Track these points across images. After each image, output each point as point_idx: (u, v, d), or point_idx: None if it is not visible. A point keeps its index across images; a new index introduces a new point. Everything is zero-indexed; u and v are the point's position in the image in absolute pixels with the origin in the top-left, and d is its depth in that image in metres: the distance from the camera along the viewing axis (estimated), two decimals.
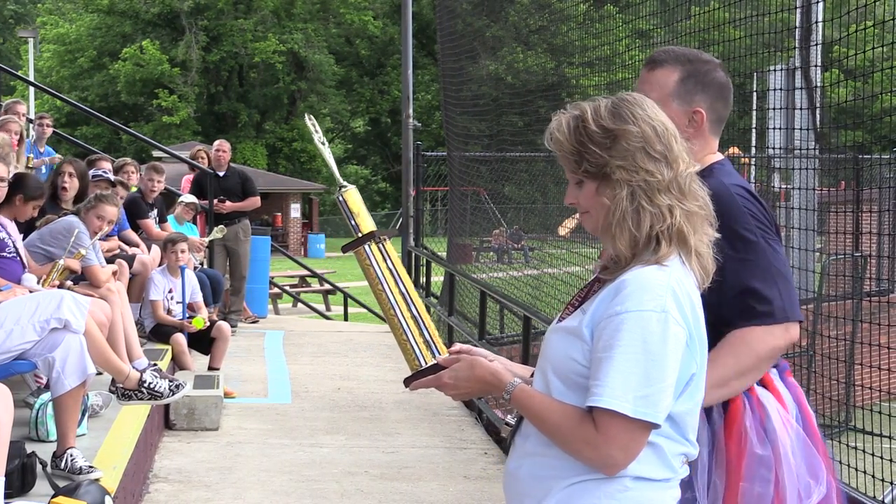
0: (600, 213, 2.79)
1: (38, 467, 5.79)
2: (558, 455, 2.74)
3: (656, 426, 2.64)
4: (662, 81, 3.52)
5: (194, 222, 13.30)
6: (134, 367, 7.25)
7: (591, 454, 2.65)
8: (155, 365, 7.88)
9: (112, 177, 10.98)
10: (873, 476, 6.79)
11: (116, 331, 7.51)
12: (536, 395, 2.77)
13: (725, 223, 3.11)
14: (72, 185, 9.16)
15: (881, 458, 7.08)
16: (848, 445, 7.77)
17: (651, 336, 2.64)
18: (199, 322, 10.04)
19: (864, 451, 7.26)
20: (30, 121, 14.34)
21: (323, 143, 3.08)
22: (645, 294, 2.68)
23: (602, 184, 2.77)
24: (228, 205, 14.18)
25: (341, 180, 3.00)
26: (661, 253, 2.73)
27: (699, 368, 2.74)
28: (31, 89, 33.89)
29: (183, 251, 10.45)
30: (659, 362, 2.64)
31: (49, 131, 12.39)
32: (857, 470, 7.00)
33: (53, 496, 5.19)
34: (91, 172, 10.45)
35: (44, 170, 11.43)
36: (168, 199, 14.10)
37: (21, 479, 5.63)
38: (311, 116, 3.10)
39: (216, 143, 15.01)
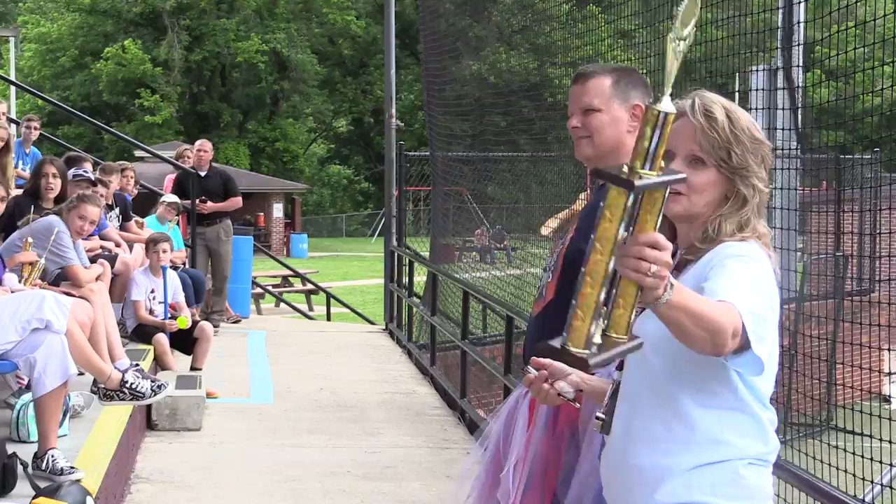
0: (707, 200, 2.80)
1: (20, 468, 5.78)
2: (671, 439, 2.73)
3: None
4: (599, 88, 3.67)
5: (177, 221, 13.25)
6: (115, 368, 7.25)
7: (731, 332, 2.51)
8: (137, 365, 7.88)
9: (93, 176, 10.94)
10: (854, 475, 6.82)
11: (98, 331, 7.49)
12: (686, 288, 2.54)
13: None
14: (56, 184, 9.14)
15: (862, 456, 7.12)
16: (829, 444, 7.81)
17: (759, 276, 2.69)
18: (183, 321, 10.02)
19: (845, 449, 7.30)
20: (12, 121, 14.30)
21: (682, 40, 2.39)
22: (743, 251, 2.73)
23: (733, 181, 2.79)
24: (210, 205, 14.15)
25: (666, 99, 2.35)
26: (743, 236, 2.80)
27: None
28: (13, 89, 33.76)
29: (165, 251, 10.44)
30: (767, 296, 2.67)
31: (36, 133, 12.33)
32: (838, 469, 7.03)
33: (34, 497, 5.19)
34: (72, 172, 10.41)
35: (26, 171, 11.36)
36: (151, 199, 14.10)
37: (2, 480, 5.63)
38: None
39: (198, 142, 14.98)
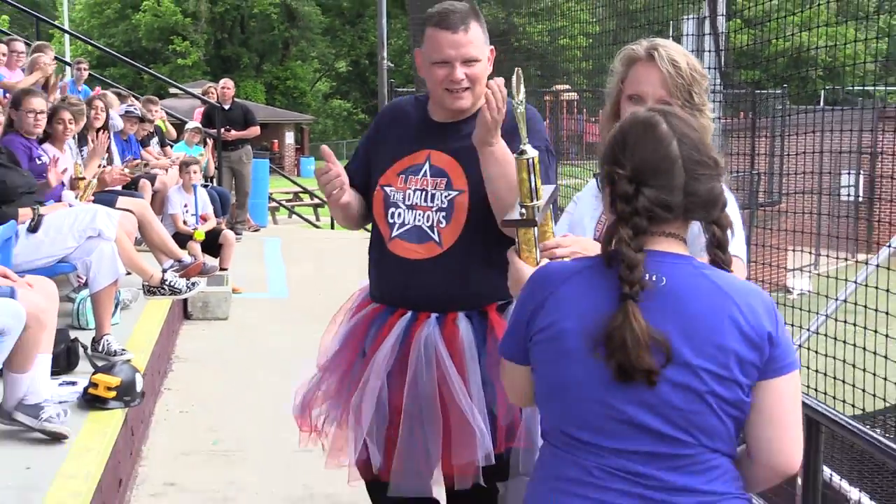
0: None
1: (81, 350, 5.86)
2: None
3: None
4: (478, 38, 3.07)
5: (204, 145, 13.25)
6: (181, 263, 7.57)
7: None
8: (195, 260, 8.14)
9: (140, 112, 10.97)
10: None
11: (158, 234, 7.85)
12: None
13: (543, 134, 3.14)
14: (102, 117, 9.08)
15: None
16: None
17: (735, 207, 2.67)
18: (200, 234, 10.07)
19: None
20: (66, 63, 14.17)
21: (521, 104, 2.57)
22: None
23: (693, 116, 2.64)
24: (233, 133, 14.21)
25: (527, 146, 2.51)
26: None
27: None
28: (67, 36, 33.36)
29: (195, 172, 10.46)
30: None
31: (86, 74, 12.23)
32: None
33: (94, 374, 5.25)
34: (124, 108, 10.41)
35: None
36: (178, 128, 14.12)
37: (67, 359, 5.71)
38: (520, 73, 2.58)
39: (222, 81, 15.01)
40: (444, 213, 3.08)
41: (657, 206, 2.01)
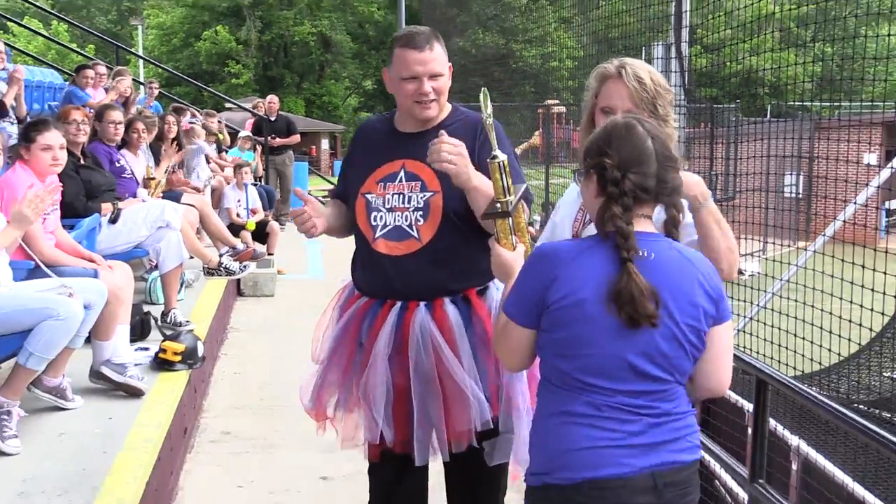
0: None
1: (152, 322, 5.88)
2: None
3: None
4: (440, 55, 2.95)
5: (253, 150, 13.31)
6: (235, 249, 7.56)
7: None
8: (247, 247, 8.17)
9: (201, 122, 10.97)
10: None
11: (216, 225, 7.83)
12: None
13: (507, 142, 2.94)
14: (173, 131, 9.08)
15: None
16: None
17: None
18: (251, 225, 10.08)
19: None
20: (139, 83, 14.20)
21: (489, 117, 2.55)
22: None
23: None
24: (278, 141, 14.27)
25: (497, 150, 2.47)
26: None
27: None
28: (141, 62, 33.40)
29: (247, 172, 10.47)
30: None
31: (156, 92, 12.27)
32: None
33: (163, 341, 5.27)
34: (187, 119, 10.41)
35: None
36: (233, 136, 14.14)
37: (141, 329, 5.74)
38: (486, 91, 2.54)
39: (268, 97, 15.06)
40: (421, 212, 2.93)
41: (638, 189, 2.14)
